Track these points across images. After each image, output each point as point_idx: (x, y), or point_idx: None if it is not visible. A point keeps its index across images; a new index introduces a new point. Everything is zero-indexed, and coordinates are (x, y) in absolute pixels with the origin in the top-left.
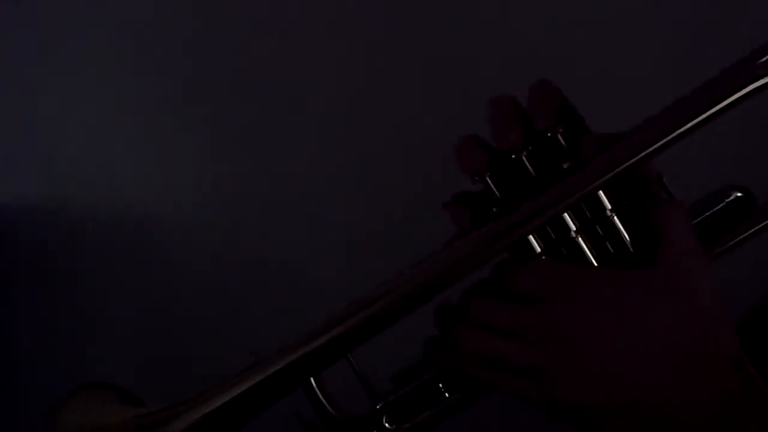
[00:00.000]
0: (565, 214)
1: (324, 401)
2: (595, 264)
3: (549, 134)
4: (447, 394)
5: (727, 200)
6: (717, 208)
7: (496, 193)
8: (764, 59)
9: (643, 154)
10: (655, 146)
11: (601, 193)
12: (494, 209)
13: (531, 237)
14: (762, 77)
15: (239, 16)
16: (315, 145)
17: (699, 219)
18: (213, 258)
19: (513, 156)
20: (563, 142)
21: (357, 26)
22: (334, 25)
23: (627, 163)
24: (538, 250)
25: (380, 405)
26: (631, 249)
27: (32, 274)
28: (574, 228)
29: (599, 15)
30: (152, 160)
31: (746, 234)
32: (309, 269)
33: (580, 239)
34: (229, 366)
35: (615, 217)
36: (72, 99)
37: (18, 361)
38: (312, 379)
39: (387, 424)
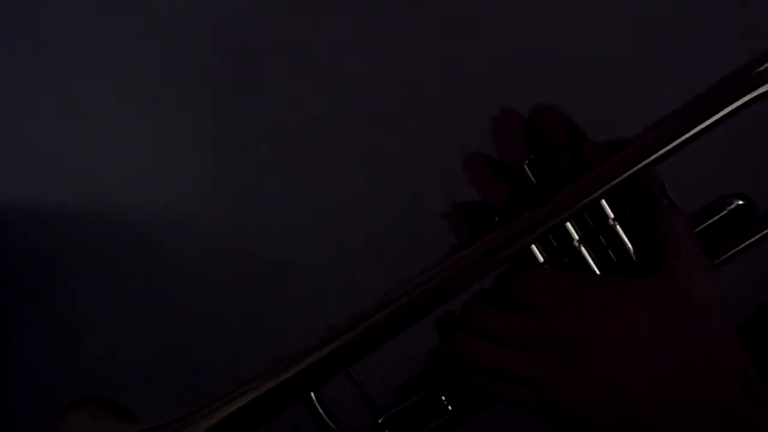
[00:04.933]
0: (568, 224)
1: (324, 415)
2: (598, 273)
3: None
4: (450, 407)
5: (728, 208)
6: (718, 216)
7: None
8: (764, 67)
9: (645, 162)
10: (657, 155)
11: (603, 201)
12: (496, 219)
13: (533, 246)
14: (763, 85)
15: (241, 16)
16: (316, 148)
17: (701, 227)
18: (214, 259)
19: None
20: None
21: (358, 30)
22: (335, 28)
23: (629, 172)
24: (541, 259)
25: (381, 419)
26: (634, 257)
27: (32, 274)
28: (576, 237)
29: (600, 20)
30: (153, 160)
31: (748, 242)
32: (309, 271)
33: (582, 248)
34: (229, 366)
35: (617, 226)
36: (72, 98)
37: (18, 362)
38: (311, 393)
39: None
